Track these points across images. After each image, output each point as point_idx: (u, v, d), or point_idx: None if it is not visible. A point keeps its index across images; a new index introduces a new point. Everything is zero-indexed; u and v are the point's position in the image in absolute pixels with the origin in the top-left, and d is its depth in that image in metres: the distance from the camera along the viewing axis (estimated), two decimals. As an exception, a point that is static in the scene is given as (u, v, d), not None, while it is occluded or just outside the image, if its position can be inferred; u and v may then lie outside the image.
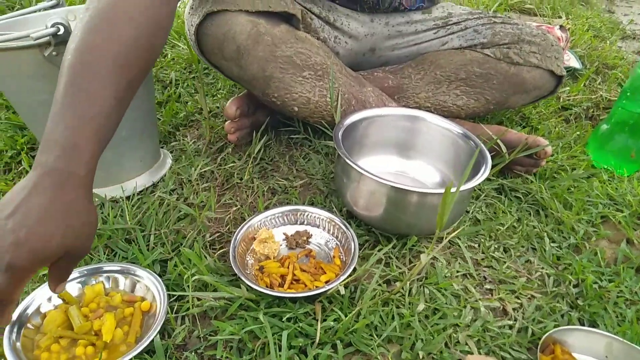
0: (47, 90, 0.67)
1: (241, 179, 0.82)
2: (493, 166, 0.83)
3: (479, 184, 0.78)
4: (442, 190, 0.62)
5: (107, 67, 0.49)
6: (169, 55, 1.21)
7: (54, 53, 0.64)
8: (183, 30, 1.25)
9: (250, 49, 0.72)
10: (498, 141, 0.82)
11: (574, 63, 1.36)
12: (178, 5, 0.62)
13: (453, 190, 0.50)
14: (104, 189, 0.79)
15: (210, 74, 1.17)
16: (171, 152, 0.90)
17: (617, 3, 3.55)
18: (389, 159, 0.80)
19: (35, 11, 0.83)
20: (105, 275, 0.62)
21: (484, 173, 0.65)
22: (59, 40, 0.63)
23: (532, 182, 0.85)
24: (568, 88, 1.23)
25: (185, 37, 1.21)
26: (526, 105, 0.99)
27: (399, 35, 0.94)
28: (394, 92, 0.90)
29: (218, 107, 1.02)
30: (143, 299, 0.59)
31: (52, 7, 0.84)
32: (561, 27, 1.36)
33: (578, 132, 1.05)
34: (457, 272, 0.68)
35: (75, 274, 0.61)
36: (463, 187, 0.61)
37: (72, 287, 0.60)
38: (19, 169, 0.86)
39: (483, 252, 0.72)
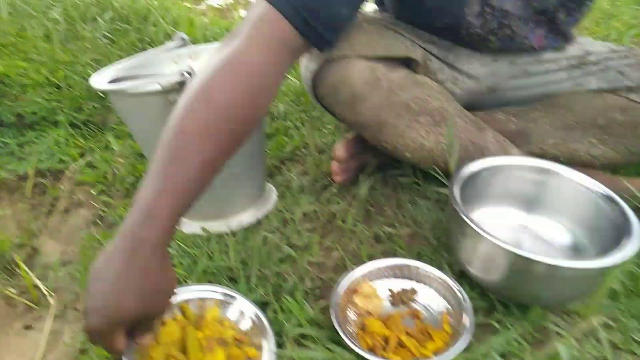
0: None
1: (344, 222, 0.79)
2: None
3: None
4: (578, 264, 0.54)
5: (200, 134, 0.50)
6: (290, 85, 1.24)
7: (177, 98, 0.66)
8: (296, 63, 1.28)
9: (367, 95, 0.69)
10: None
11: None
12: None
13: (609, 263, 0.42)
14: (211, 223, 0.80)
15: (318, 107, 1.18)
16: (276, 187, 0.90)
17: None
18: (510, 212, 0.72)
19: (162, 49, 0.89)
20: (219, 294, 0.61)
21: (633, 246, 0.55)
22: (184, 86, 0.65)
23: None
24: None
25: (296, 70, 1.22)
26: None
27: (525, 74, 0.85)
28: (516, 136, 0.82)
29: (324, 143, 1.01)
30: (252, 343, 0.57)
31: (179, 46, 0.89)
32: None
33: None
34: (589, 353, 0.58)
35: (194, 287, 0.61)
36: (610, 262, 0.52)
37: (189, 295, 0.60)
38: (138, 195, 0.91)
39: (622, 333, 0.61)
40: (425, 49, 0.80)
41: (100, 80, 0.75)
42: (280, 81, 0.58)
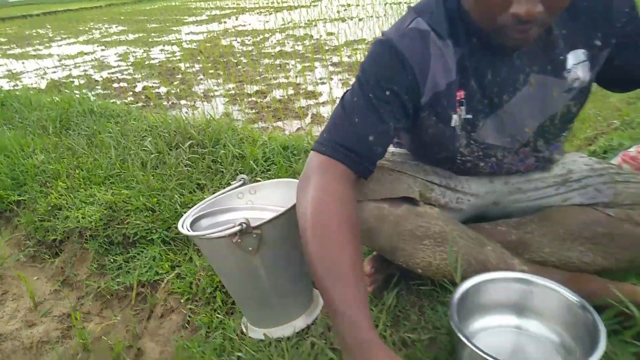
0: (233, 261, 0.95)
1: (376, 326, 0.96)
2: (625, 328, 0.83)
3: (614, 349, 0.80)
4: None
5: (347, 266, 0.72)
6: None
7: (239, 240, 0.90)
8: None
9: (378, 228, 0.90)
10: (628, 303, 0.82)
11: None
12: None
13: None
14: (271, 329, 1.01)
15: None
16: (323, 294, 1.10)
17: None
18: (505, 317, 0.86)
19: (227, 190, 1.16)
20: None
21: (599, 350, 0.68)
22: (243, 232, 0.89)
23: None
24: None
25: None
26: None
27: (519, 191, 1.02)
28: (518, 246, 0.97)
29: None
30: None
31: (240, 185, 1.15)
32: None
33: None
34: None
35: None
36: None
37: None
38: (215, 305, 1.15)
39: None
40: (427, 181, 0.99)
41: (185, 222, 1.02)
42: (353, 200, 0.81)
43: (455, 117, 0.87)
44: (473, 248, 0.92)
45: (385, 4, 10.06)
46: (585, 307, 0.77)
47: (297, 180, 0.87)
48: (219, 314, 1.15)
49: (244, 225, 0.89)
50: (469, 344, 0.71)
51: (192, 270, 1.31)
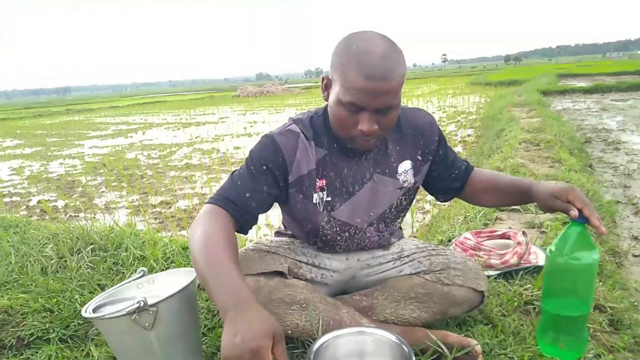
0: (132, 339, 1.10)
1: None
2: (442, 364, 1.10)
3: None
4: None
5: (225, 259, 0.94)
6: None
7: (137, 317, 1.07)
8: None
9: (255, 296, 1.12)
10: (440, 343, 1.10)
11: (542, 260, 1.64)
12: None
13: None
14: (163, 402, 1.13)
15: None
16: (213, 369, 1.25)
17: (634, 176, 3.82)
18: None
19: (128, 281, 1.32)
20: None
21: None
22: (140, 309, 1.06)
23: (474, 375, 1.09)
24: (530, 285, 1.50)
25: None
26: (465, 313, 1.27)
27: (368, 266, 1.32)
28: (368, 310, 1.25)
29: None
30: None
31: (140, 277, 1.32)
32: (523, 232, 1.69)
33: (532, 326, 1.29)
34: None
35: None
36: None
37: None
38: (111, 390, 1.24)
39: None
40: (296, 260, 1.26)
41: (87, 308, 1.16)
42: (234, 234, 1.05)
43: (315, 196, 1.18)
44: (331, 311, 1.17)
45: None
46: (404, 346, 1.03)
47: (192, 269, 1.12)
48: (114, 399, 1.23)
49: (142, 303, 1.06)
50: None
51: (89, 363, 1.39)
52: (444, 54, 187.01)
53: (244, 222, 1.11)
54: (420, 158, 1.26)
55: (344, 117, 1.04)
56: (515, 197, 1.25)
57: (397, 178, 1.24)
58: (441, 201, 1.40)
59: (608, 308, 1.45)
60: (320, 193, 1.19)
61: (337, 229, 1.24)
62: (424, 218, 3.51)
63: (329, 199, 1.20)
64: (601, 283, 1.60)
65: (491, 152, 4.56)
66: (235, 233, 1.09)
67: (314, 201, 1.19)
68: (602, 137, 5.74)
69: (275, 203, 1.20)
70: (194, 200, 4.51)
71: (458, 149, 6.14)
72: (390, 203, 1.25)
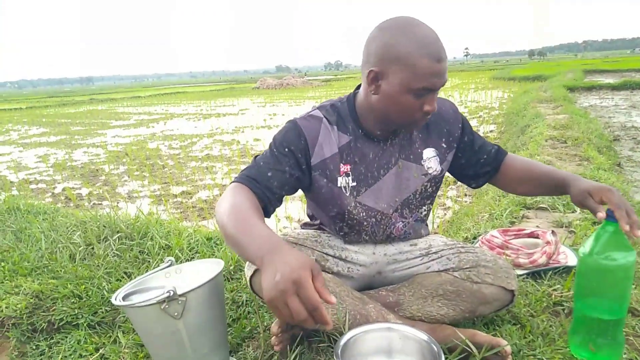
0: (160, 328, 1.11)
1: (282, 380, 1.14)
2: (469, 363, 1.09)
3: None
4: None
5: (253, 217, 0.97)
6: (242, 280, 1.67)
7: (167, 306, 1.08)
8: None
9: None
10: (468, 342, 1.09)
11: (571, 261, 1.60)
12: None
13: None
14: (190, 392, 1.15)
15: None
16: (238, 359, 1.26)
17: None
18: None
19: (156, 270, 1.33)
20: None
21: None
22: (170, 299, 1.07)
23: (503, 376, 1.07)
24: (560, 286, 1.47)
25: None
26: (494, 312, 1.25)
27: (395, 262, 1.31)
28: (394, 305, 1.24)
29: (272, 322, 1.40)
30: None
31: (168, 266, 1.34)
32: (552, 231, 1.65)
33: (562, 327, 1.27)
34: None
35: None
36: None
37: None
38: (138, 378, 1.26)
39: None
40: (323, 253, 1.26)
41: (117, 296, 1.17)
42: (258, 204, 1.06)
43: (340, 180, 1.19)
44: (358, 305, 1.17)
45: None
46: (433, 344, 1.02)
47: (219, 260, 1.15)
48: (141, 385, 1.25)
49: (171, 293, 1.07)
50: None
51: (116, 350, 1.41)
52: (466, 48, 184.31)
53: (266, 199, 1.11)
54: (445, 146, 1.26)
55: (411, 104, 1.06)
56: (551, 189, 1.24)
57: (421, 164, 1.24)
58: (473, 187, 1.39)
59: (642, 312, 1.41)
60: (346, 178, 1.20)
61: (364, 214, 1.24)
62: (445, 214, 3.47)
63: (355, 184, 1.21)
64: (634, 286, 1.56)
65: (516, 149, 4.48)
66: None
67: (339, 185, 1.19)
68: (631, 135, 5.59)
69: (299, 189, 1.22)
70: (214, 191, 4.55)
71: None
72: (414, 189, 1.25)
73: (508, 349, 1.07)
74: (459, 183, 4.27)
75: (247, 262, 1.23)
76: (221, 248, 1.94)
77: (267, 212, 1.13)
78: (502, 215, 2.23)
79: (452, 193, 3.97)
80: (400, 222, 1.27)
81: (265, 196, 1.11)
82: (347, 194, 1.21)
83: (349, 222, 1.25)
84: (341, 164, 1.19)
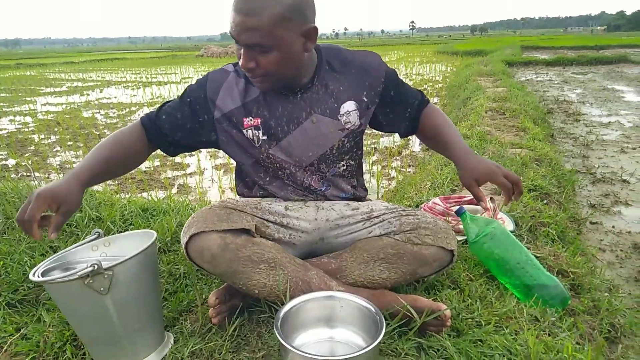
0: (85, 304, 1.02)
1: (220, 354, 1.10)
2: (411, 329, 1.09)
3: (400, 345, 1.04)
4: (346, 356, 0.89)
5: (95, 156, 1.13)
6: (180, 252, 1.59)
7: (91, 281, 0.99)
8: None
9: (221, 254, 1.07)
10: (409, 308, 1.08)
11: (509, 225, 1.65)
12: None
13: (357, 354, 0.78)
14: (121, 368, 1.08)
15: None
16: (174, 334, 1.20)
17: (593, 147, 3.93)
18: (321, 331, 1.07)
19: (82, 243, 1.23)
20: None
21: (379, 337, 0.91)
22: (94, 273, 0.99)
23: (442, 339, 1.08)
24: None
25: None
26: (435, 274, 1.25)
27: (337, 227, 1.28)
28: (337, 272, 1.21)
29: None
30: None
31: (95, 239, 1.24)
32: (491, 198, 1.69)
33: (499, 290, 1.30)
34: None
35: None
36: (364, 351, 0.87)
37: None
38: (64, 357, 1.17)
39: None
40: (263, 219, 1.21)
41: (36, 272, 1.07)
42: (136, 152, 1.22)
43: (250, 132, 1.20)
44: (300, 272, 1.13)
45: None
46: (375, 311, 1.01)
47: (153, 231, 1.12)
48: (68, 366, 1.17)
49: (96, 267, 0.99)
50: (288, 346, 0.90)
51: (40, 329, 1.30)
52: (412, 21, 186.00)
53: (154, 139, 1.23)
54: (366, 99, 1.24)
55: (236, 52, 1.09)
56: (448, 158, 1.31)
57: (338, 119, 1.22)
58: (401, 137, 1.43)
59: (570, 273, 1.48)
60: (256, 131, 1.20)
61: (277, 165, 1.24)
62: (389, 184, 3.50)
63: (265, 137, 1.20)
64: (564, 249, 1.63)
65: (457, 120, 4.58)
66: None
67: (247, 136, 1.21)
68: (563, 109, 5.87)
69: (203, 143, 1.26)
70: (154, 162, 4.35)
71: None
72: (331, 144, 1.23)
73: (448, 312, 1.07)
74: (404, 153, 4.33)
75: (183, 230, 1.15)
76: (157, 219, 1.84)
77: (159, 147, 1.25)
78: (444, 184, 2.27)
79: (397, 164, 4.01)
80: (317, 176, 1.27)
81: (153, 135, 1.22)
82: (257, 146, 1.21)
83: (268, 172, 1.27)
84: (247, 118, 1.19)
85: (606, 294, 1.52)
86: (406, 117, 1.32)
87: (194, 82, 1.26)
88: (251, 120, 1.19)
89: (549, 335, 1.14)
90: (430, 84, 9.80)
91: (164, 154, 1.27)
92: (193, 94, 1.21)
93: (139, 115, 7.35)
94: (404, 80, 1.31)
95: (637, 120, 5.13)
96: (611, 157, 3.65)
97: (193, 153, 4.50)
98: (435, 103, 7.19)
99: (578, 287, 1.46)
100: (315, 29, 1.08)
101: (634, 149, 3.89)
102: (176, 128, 1.21)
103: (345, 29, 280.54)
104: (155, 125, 1.22)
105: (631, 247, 2.14)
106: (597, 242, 2.21)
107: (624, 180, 3.07)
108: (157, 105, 1.26)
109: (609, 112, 5.63)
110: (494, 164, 1.19)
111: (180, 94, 1.24)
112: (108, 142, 1.17)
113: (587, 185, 3.01)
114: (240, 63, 1.07)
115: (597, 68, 11.70)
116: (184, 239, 1.14)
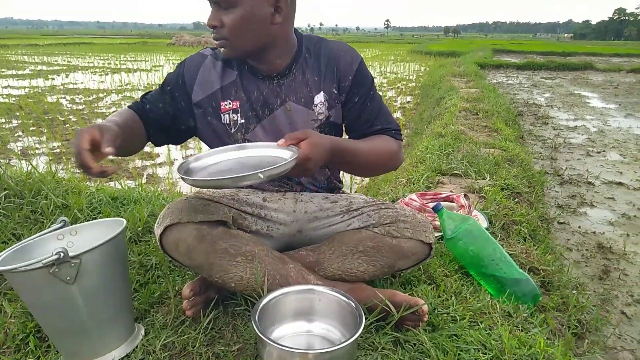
0: (50, 294, 0.97)
1: (193, 347, 1.06)
2: (388, 323, 1.09)
3: (377, 339, 1.03)
4: (325, 349, 0.87)
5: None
6: (152, 242, 1.54)
7: (57, 270, 0.94)
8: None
9: (197, 246, 1.03)
10: (387, 302, 1.08)
11: (483, 223, 1.67)
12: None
13: (336, 347, 0.76)
14: (89, 360, 1.03)
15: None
16: (145, 327, 1.16)
17: (560, 150, 4.04)
18: (299, 324, 1.05)
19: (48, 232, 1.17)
20: None
21: (359, 331, 0.90)
22: (60, 261, 0.94)
23: (418, 333, 1.08)
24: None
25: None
26: (412, 267, 1.25)
27: (316, 219, 1.26)
28: (314, 265, 1.19)
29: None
30: None
31: (60, 227, 1.18)
32: (465, 195, 1.71)
33: (473, 286, 1.31)
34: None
35: None
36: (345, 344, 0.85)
37: None
38: (27, 350, 1.11)
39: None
40: (241, 211, 1.18)
41: (-4, 262, 1.01)
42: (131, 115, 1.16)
43: (226, 117, 1.18)
44: (277, 265, 1.11)
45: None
46: (355, 307, 0.99)
47: (122, 219, 1.05)
48: (30, 358, 1.11)
49: (61, 255, 0.94)
50: (265, 339, 0.88)
51: (1, 320, 1.24)
52: (387, 20, 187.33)
53: (139, 109, 1.18)
54: (335, 92, 1.20)
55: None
56: None
57: (312, 109, 1.20)
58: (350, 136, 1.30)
59: (541, 270, 1.51)
60: (233, 115, 1.18)
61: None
62: (362, 180, 3.51)
63: (243, 121, 1.19)
64: (535, 247, 1.67)
65: (431, 119, 4.63)
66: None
67: (223, 122, 1.19)
68: (532, 112, 6.03)
69: (187, 131, 1.23)
70: (123, 150, 4.23)
71: (397, 115, 6.21)
72: None
73: (425, 308, 1.07)
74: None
75: (157, 221, 1.11)
76: (128, 208, 1.78)
77: (151, 134, 1.19)
78: (420, 180, 2.28)
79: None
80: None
81: (139, 108, 1.19)
82: (234, 131, 1.19)
83: None
84: (224, 102, 1.18)
85: (574, 292, 1.56)
86: (365, 128, 1.22)
87: (165, 70, 1.24)
88: (229, 103, 1.17)
89: (522, 330, 1.16)
90: (404, 82, 9.89)
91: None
92: (171, 83, 1.20)
93: (106, 101, 7.14)
94: (380, 93, 1.25)
95: (602, 125, 5.32)
96: (577, 160, 3.76)
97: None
98: (409, 102, 7.28)
99: (548, 284, 1.50)
100: (286, 3, 1.06)
101: (599, 152, 4.03)
102: (160, 116, 1.18)
103: (321, 24, 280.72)
104: (141, 109, 1.19)
105: (596, 247, 2.21)
106: (564, 241, 2.27)
107: (589, 183, 3.17)
108: (135, 94, 1.25)
109: (576, 117, 5.81)
110: (314, 146, 1.01)
111: (160, 83, 1.23)
112: (128, 112, 1.15)
113: (555, 186, 3.09)
114: (207, 21, 1.07)
115: (564, 74, 12.07)
116: (158, 230, 1.10)
